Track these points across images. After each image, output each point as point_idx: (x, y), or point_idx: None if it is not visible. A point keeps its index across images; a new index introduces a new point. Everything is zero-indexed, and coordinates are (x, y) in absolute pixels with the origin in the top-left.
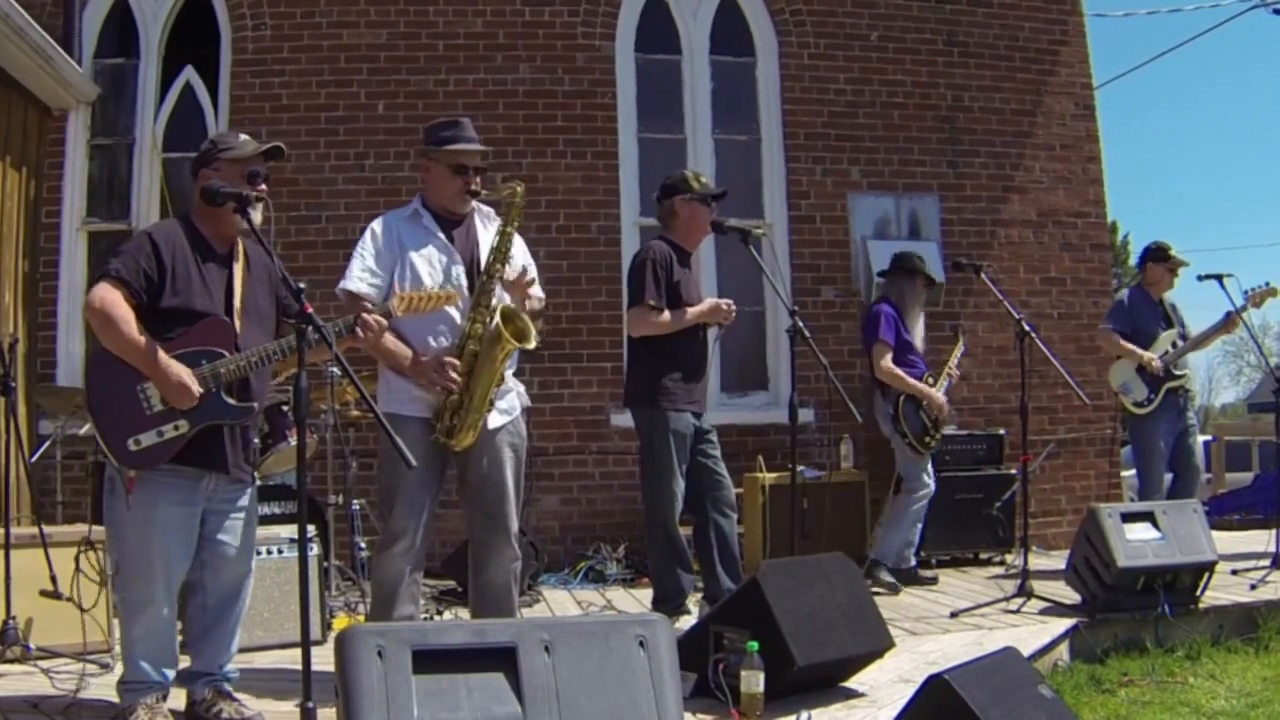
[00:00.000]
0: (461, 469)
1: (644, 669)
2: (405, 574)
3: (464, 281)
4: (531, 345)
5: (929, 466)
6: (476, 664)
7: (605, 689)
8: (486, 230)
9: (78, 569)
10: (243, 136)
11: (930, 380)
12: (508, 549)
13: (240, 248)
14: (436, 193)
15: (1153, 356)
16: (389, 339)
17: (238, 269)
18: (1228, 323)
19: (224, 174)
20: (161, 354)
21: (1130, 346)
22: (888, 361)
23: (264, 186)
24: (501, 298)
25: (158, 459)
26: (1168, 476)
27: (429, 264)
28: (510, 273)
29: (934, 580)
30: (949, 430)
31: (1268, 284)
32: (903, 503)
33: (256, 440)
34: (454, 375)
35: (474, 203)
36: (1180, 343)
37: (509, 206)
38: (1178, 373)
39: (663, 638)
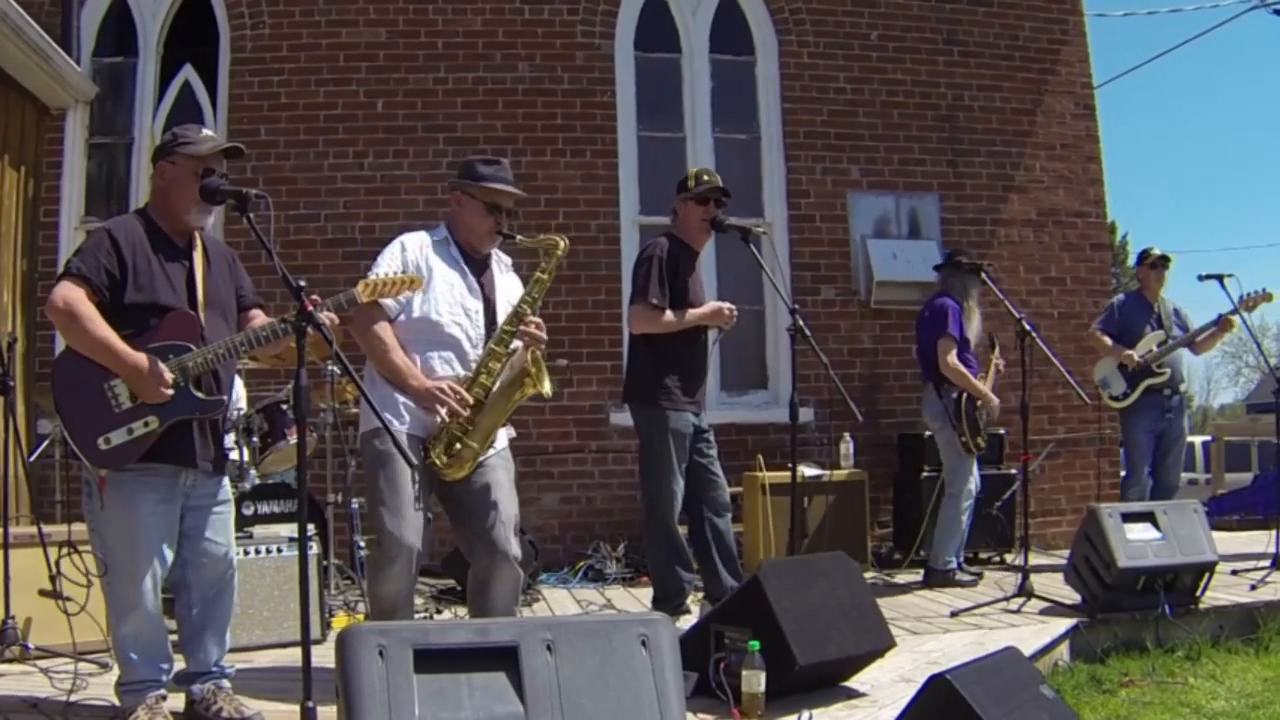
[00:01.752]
0: (457, 495)
1: (647, 668)
2: (403, 592)
3: (482, 322)
4: (547, 392)
5: (975, 466)
6: (478, 663)
7: (608, 688)
8: (503, 275)
9: (59, 571)
10: (205, 131)
11: (982, 378)
12: (509, 570)
13: (199, 239)
14: (465, 228)
15: (1131, 353)
16: (400, 356)
17: (198, 260)
18: (1221, 324)
19: (180, 168)
20: (129, 349)
21: (1111, 344)
22: (953, 357)
23: None
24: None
25: (128, 457)
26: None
27: (451, 292)
28: (531, 315)
29: (977, 578)
30: None
31: (1264, 290)
32: (949, 506)
33: (232, 435)
34: (464, 400)
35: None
36: (1170, 342)
37: (548, 256)
38: (1157, 370)
39: (665, 637)
